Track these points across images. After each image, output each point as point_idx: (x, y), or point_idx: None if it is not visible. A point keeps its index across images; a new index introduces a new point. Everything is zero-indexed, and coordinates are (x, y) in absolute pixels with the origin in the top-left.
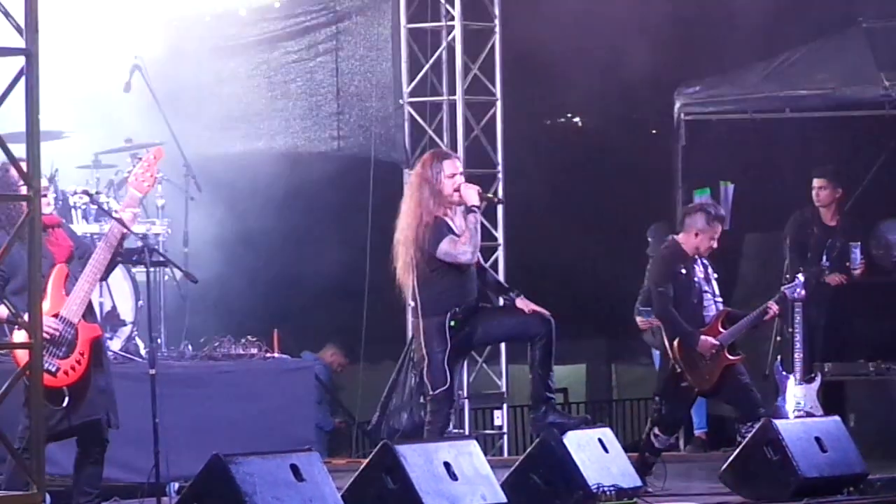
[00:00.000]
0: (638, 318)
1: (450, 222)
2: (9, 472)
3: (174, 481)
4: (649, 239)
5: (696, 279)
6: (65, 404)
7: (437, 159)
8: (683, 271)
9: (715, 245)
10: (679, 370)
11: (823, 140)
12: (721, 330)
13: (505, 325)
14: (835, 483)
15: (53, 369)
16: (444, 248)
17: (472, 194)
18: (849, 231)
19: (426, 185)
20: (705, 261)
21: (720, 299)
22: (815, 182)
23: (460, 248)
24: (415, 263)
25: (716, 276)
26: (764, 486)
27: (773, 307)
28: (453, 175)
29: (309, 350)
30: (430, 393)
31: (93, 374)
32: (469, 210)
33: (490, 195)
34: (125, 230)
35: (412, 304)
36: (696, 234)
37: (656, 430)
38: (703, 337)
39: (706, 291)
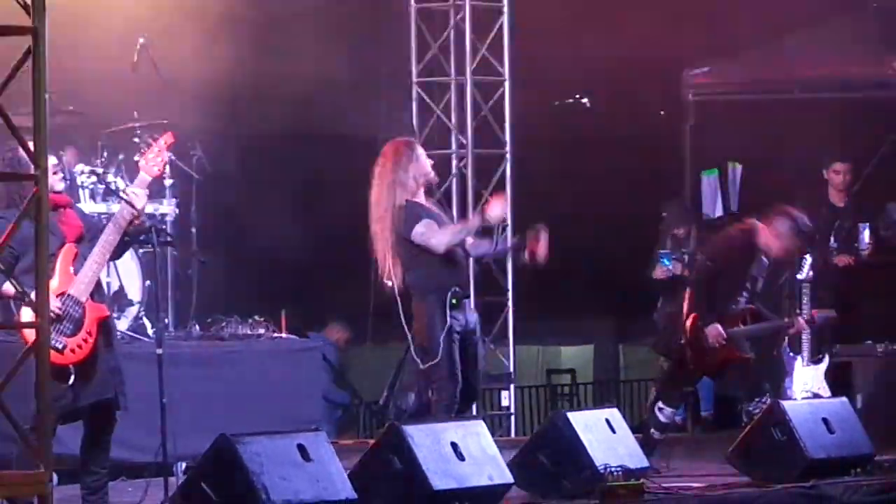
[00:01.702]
0: (657, 269)
1: (423, 203)
2: (19, 452)
3: (181, 461)
4: (663, 214)
5: (746, 275)
6: (70, 382)
7: (409, 147)
8: (741, 260)
9: (782, 256)
10: (682, 343)
11: (832, 121)
12: (740, 325)
13: (464, 363)
14: (842, 464)
15: (60, 346)
16: (420, 229)
17: (498, 213)
18: (857, 212)
19: (399, 170)
20: (766, 261)
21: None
22: (839, 166)
23: (439, 237)
24: (394, 247)
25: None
26: (771, 466)
27: (801, 323)
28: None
29: (314, 330)
30: (421, 366)
31: (103, 354)
32: (484, 220)
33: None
34: (135, 211)
35: (388, 283)
36: (777, 237)
37: (660, 404)
38: (715, 324)
39: (746, 288)
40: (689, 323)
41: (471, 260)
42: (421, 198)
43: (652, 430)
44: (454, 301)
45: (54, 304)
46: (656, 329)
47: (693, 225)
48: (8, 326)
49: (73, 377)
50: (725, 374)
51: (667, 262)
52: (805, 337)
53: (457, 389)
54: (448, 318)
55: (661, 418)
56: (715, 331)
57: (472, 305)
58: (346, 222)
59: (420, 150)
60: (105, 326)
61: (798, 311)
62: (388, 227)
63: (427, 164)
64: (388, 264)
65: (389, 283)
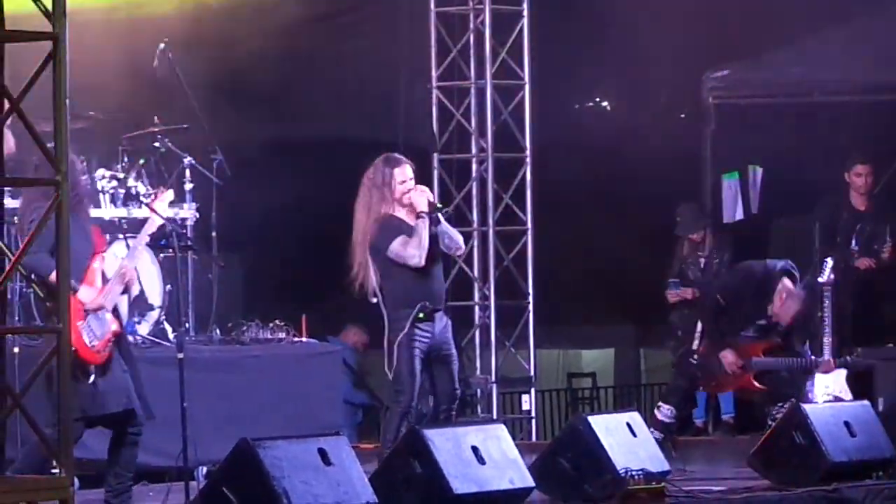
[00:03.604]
0: (668, 292)
1: (403, 218)
2: (24, 453)
3: (202, 465)
4: (678, 218)
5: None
6: (90, 381)
7: (388, 164)
8: (753, 298)
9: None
10: (695, 363)
11: (852, 124)
12: (761, 355)
13: (438, 370)
14: (863, 467)
15: (92, 344)
16: (395, 248)
17: (421, 200)
18: (878, 215)
19: (375, 188)
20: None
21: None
22: (861, 168)
23: (409, 251)
24: (371, 261)
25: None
26: (792, 470)
27: (830, 364)
28: (403, 181)
29: (334, 334)
30: (395, 386)
31: (120, 364)
32: (417, 215)
33: (439, 205)
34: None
35: (374, 300)
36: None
37: (660, 402)
38: (729, 350)
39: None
40: (702, 348)
41: (441, 272)
42: (400, 212)
43: (651, 430)
44: (422, 315)
45: (96, 302)
46: (674, 332)
47: (708, 229)
48: (30, 331)
49: (93, 376)
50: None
51: (676, 289)
52: (826, 340)
53: (413, 397)
54: (409, 328)
55: (659, 416)
56: (729, 357)
57: (445, 318)
58: None
59: (399, 171)
60: (120, 339)
61: (819, 313)
62: (367, 238)
63: (400, 188)
64: (362, 275)
65: (369, 295)
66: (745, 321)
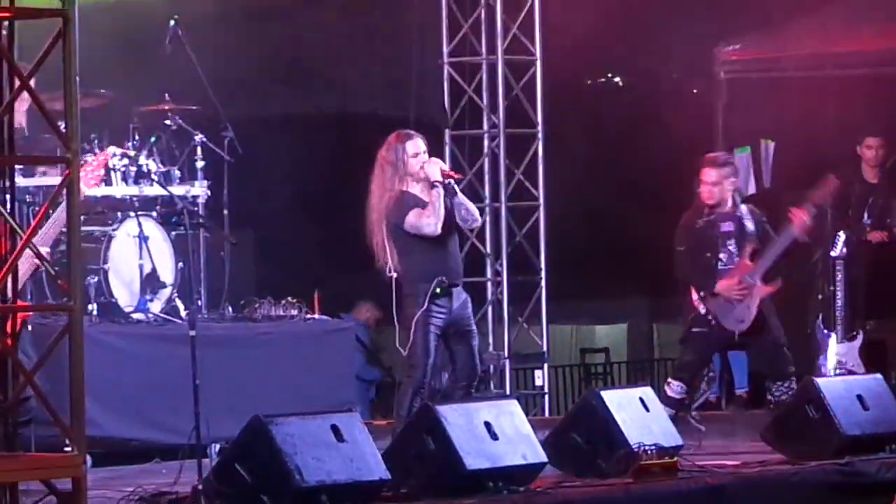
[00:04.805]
0: None
1: (418, 194)
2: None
3: (215, 442)
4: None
5: (715, 233)
6: None
7: (399, 140)
8: (703, 236)
9: (707, 192)
10: (711, 321)
11: (864, 97)
12: (750, 264)
13: (458, 346)
14: (876, 440)
15: None
16: (410, 220)
17: (434, 170)
18: (890, 187)
19: (389, 165)
20: (743, 212)
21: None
22: (872, 141)
23: (424, 220)
24: (389, 238)
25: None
26: (806, 444)
27: (799, 217)
28: (416, 154)
29: (346, 311)
30: (409, 360)
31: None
32: (432, 185)
33: (453, 171)
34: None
35: (391, 275)
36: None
37: (670, 378)
38: (720, 282)
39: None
40: (696, 301)
41: (458, 248)
42: (414, 188)
43: (663, 407)
44: (438, 290)
45: None
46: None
47: None
48: (41, 308)
49: None
50: (756, 345)
51: None
52: (839, 314)
53: (426, 373)
54: (427, 304)
55: (670, 392)
56: (724, 284)
57: (463, 294)
58: None
59: (411, 144)
60: (25, 322)
61: (832, 287)
62: (383, 215)
63: (414, 162)
64: (382, 256)
65: (387, 272)
66: (713, 249)
